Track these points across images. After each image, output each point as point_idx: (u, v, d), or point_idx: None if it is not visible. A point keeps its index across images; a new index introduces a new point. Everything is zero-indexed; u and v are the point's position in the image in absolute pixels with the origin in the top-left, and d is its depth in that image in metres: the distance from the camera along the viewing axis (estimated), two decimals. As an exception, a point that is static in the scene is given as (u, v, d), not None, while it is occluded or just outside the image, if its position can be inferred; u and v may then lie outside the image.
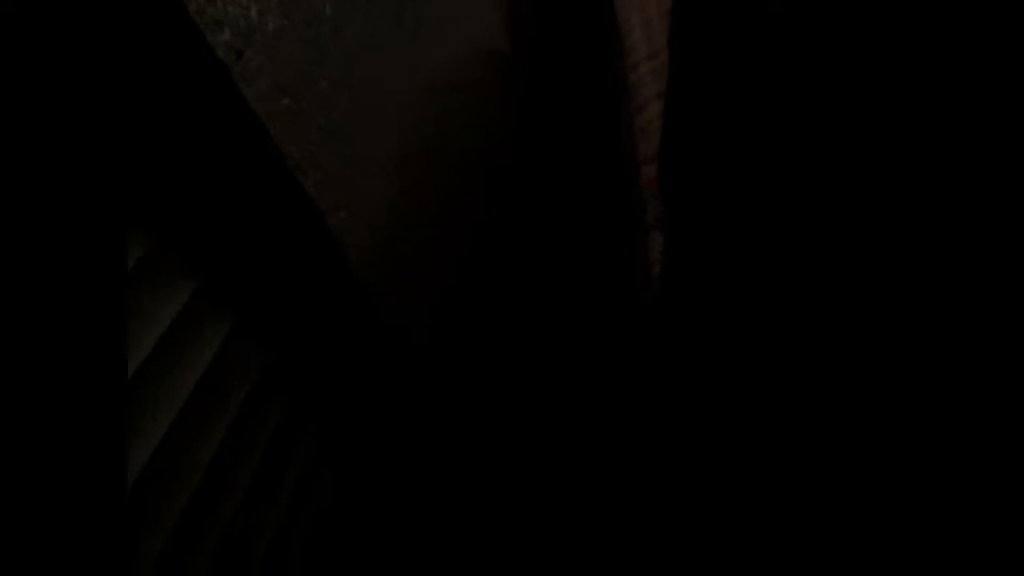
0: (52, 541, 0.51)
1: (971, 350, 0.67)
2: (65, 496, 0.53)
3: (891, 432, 0.76)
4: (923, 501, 0.73)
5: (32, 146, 0.54)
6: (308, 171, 0.86)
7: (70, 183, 0.57)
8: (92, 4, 0.61)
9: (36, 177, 0.53)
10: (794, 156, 0.94)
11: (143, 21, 0.67)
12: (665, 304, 1.11)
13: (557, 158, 2.10)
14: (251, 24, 0.78)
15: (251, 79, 0.78)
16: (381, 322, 0.96)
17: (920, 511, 0.73)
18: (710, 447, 1.02)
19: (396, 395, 1.04)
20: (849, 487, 0.81)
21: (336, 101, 0.93)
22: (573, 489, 1.32)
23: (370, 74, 1.04)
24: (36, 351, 0.52)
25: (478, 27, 1.61)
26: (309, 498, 0.99)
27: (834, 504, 0.82)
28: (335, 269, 0.90)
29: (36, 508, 0.50)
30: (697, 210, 1.12)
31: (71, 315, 0.55)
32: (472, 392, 1.33)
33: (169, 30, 0.69)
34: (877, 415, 0.78)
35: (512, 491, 1.34)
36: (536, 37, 2.24)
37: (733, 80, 1.08)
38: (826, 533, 0.83)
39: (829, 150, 0.85)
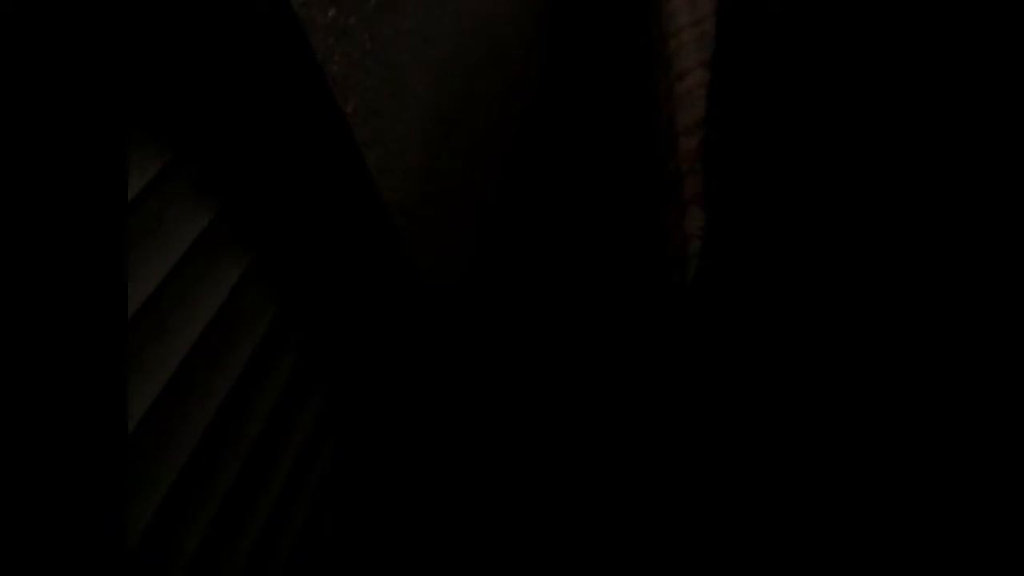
0: (43, 491, 0.43)
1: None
2: (59, 443, 0.45)
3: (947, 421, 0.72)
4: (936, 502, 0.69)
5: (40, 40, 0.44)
6: (348, 95, 0.76)
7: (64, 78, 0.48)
8: None
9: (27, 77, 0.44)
10: (853, 133, 0.88)
11: None
12: (709, 283, 1.05)
13: (586, 122, 2.02)
14: (300, -83, 0.68)
15: (296, -19, 0.68)
16: (411, 274, 0.88)
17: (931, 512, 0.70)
18: (748, 436, 0.97)
19: (418, 356, 0.96)
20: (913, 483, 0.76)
21: (381, 23, 0.83)
22: (601, 479, 1.26)
23: (413, 3, 0.95)
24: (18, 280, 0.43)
25: (513, -25, 1.51)
26: (312, 467, 0.92)
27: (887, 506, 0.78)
28: (368, 209, 0.81)
29: (27, 454, 0.42)
30: (748, 187, 1.06)
31: (60, 237, 0.46)
32: (495, 364, 1.26)
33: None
34: (940, 405, 0.73)
35: (533, 478, 1.27)
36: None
37: (788, 54, 1.01)
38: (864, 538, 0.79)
39: (890, 130, 0.79)
